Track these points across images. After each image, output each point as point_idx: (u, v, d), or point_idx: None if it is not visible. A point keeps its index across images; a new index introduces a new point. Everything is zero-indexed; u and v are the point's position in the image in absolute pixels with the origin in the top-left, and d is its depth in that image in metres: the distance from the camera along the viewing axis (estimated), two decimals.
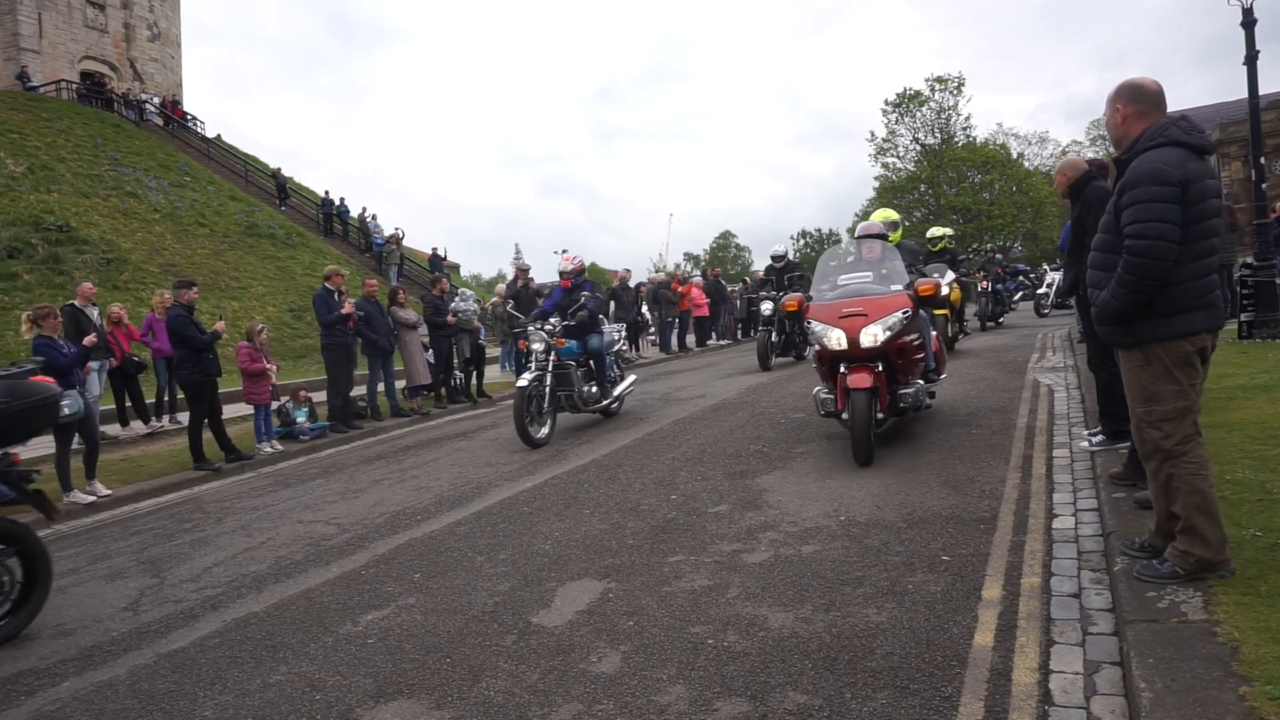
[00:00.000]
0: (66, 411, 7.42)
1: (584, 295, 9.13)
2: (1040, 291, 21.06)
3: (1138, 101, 3.24)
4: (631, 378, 10.50)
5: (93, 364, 9.16)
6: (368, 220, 30.62)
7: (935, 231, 13.64)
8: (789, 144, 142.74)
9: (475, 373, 12.85)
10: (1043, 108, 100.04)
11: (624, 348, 12.60)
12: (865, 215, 57.59)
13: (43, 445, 10.24)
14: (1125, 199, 3.10)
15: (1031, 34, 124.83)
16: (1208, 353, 3.24)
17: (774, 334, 14.06)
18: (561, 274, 9.50)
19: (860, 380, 5.89)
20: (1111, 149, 3.59)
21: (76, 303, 9.53)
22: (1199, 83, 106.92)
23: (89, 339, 8.64)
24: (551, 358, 8.73)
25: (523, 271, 15.39)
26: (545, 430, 8.48)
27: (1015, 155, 53.88)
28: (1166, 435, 3.12)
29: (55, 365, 7.62)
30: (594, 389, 9.19)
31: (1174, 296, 3.09)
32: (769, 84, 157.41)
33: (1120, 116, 3.27)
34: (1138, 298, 3.07)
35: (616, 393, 9.64)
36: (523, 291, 14.34)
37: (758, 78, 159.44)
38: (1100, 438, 5.54)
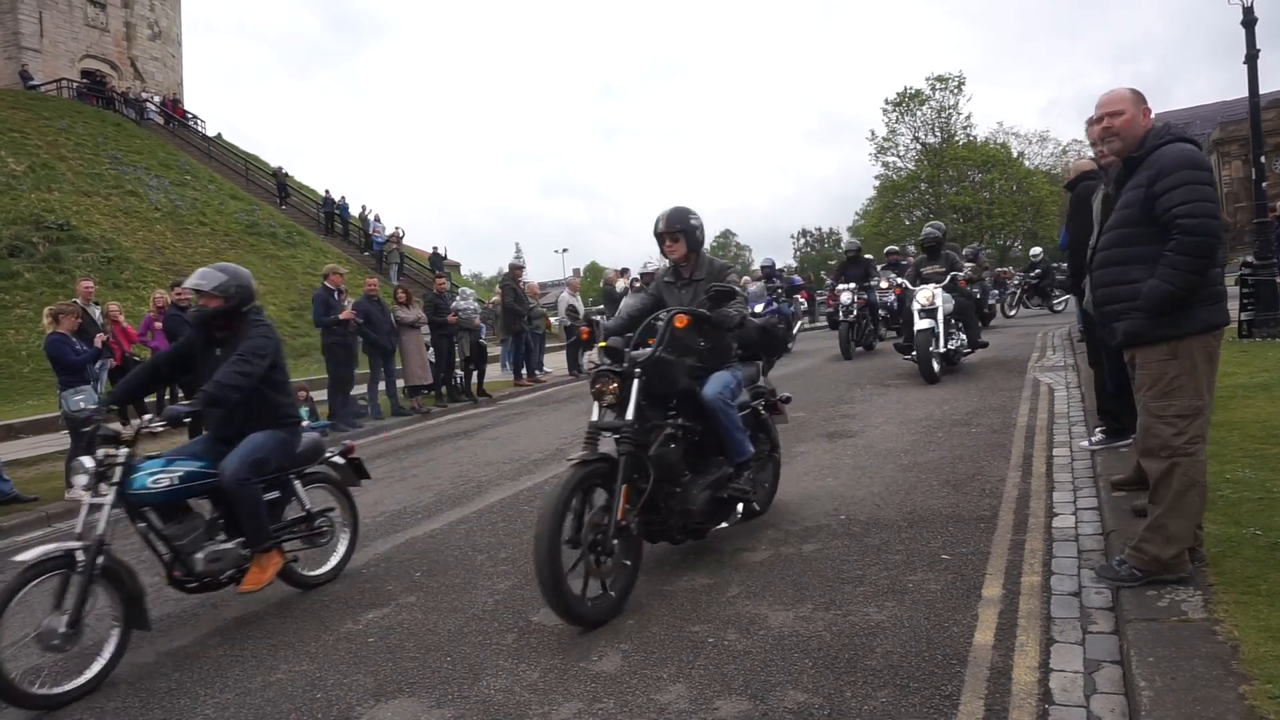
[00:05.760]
0: (81, 406, 7.47)
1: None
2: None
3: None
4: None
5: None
6: (369, 219, 30.61)
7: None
8: (792, 143, 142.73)
9: (476, 372, 12.87)
10: (1055, 102, 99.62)
11: None
12: (867, 214, 57.54)
13: (51, 443, 10.28)
14: (1162, 184, 3.03)
15: (1044, 29, 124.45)
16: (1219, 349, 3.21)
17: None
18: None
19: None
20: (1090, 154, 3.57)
21: (78, 300, 9.54)
22: (1212, 76, 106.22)
23: (99, 338, 8.65)
24: None
25: (518, 270, 15.49)
26: None
27: (1015, 154, 53.79)
28: (1180, 432, 3.05)
29: (68, 363, 7.62)
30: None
31: (1203, 285, 3.04)
32: (774, 82, 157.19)
33: (1146, 117, 3.23)
34: (1194, 278, 2.99)
35: None
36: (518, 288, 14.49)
37: (763, 75, 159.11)
38: (1100, 436, 5.54)
